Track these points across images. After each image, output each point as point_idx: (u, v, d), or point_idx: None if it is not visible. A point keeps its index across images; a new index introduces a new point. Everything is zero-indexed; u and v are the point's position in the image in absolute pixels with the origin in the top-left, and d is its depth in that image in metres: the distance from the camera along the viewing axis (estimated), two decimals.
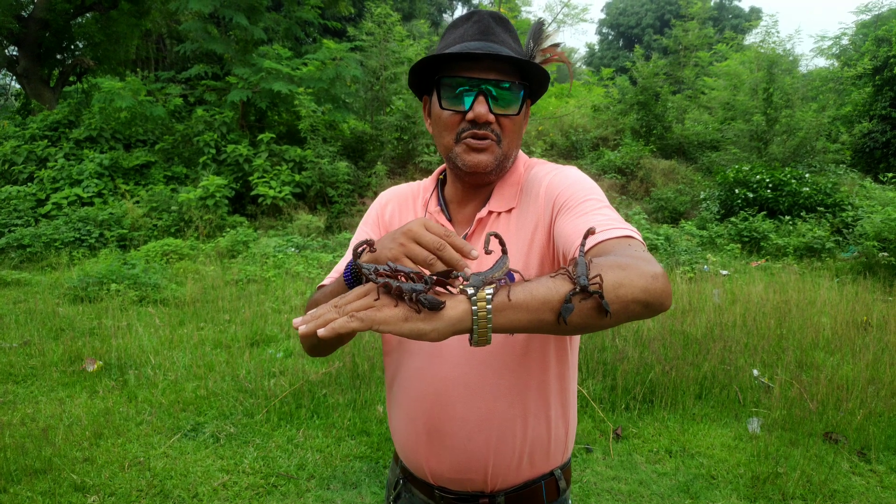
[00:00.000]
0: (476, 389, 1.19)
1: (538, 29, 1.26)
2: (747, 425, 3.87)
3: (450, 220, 1.31)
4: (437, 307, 0.81)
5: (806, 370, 4.48)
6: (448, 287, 0.89)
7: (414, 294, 0.81)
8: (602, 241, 1.00)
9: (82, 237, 9.21)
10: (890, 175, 10.67)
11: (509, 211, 1.25)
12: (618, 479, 3.29)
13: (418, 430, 1.24)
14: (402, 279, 0.85)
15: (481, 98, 1.15)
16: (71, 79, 15.22)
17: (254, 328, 5.57)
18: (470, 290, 0.83)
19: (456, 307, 0.82)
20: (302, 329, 0.82)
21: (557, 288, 0.87)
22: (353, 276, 1.08)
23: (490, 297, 0.83)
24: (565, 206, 1.14)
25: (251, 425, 3.85)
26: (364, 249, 0.94)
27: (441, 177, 1.38)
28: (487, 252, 0.93)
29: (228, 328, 5.65)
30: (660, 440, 3.70)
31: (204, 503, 3.06)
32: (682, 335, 4.94)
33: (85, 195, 10.29)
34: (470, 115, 1.16)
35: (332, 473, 3.34)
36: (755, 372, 4.44)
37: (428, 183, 1.40)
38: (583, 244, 0.97)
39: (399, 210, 1.38)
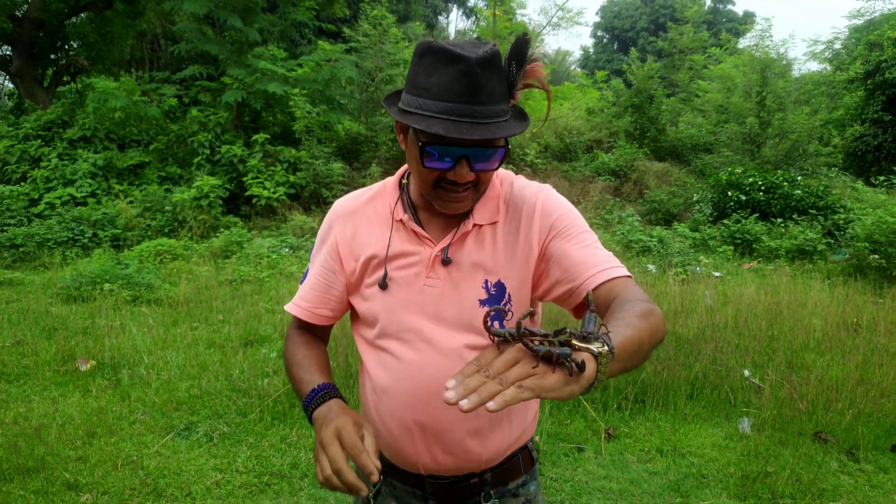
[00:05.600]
0: None
1: (522, 50, 1.12)
2: (738, 425, 3.90)
3: (420, 227, 1.28)
4: (583, 369, 0.83)
5: (796, 371, 4.52)
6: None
7: (564, 358, 0.82)
8: (612, 280, 1.15)
9: (76, 237, 9.19)
10: (881, 178, 10.75)
11: (493, 224, 1.28)
12: (609, 478, 3.32)
13: (410, 427, 1.26)
14: (537, 342, 0.85)
15: (464, 162, 1.13)
16: (65, 79, 15.18)
17: (248, 328, 5.58)
18: (595, 348, 0.85)
19: (588, 366, 0.84)
20: (465, 405, 0.77)
21: (639, 340, 0.96)
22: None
23: (610, 353, 0.86)
24: (564, 233, 1.24)
25: (244, 424, 3.86)
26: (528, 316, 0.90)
27: (404, 180, 1.34)
28: (522, 318, 0.86)
29: (222, 328, 5.65)
30: (651, 440, 3.72)
31: (197, 501, 3.07)
32: (674, 336, 4.97)
33: (78, 195, 10.27)
34: (451, 176, 1.15)
35: None
36: (746, 372, 4.47)
37: (391, 187, 1.34)
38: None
39: (363, 223, 1.33)
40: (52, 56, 14.91)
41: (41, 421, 3.81)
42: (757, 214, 10.34)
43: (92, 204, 10.05)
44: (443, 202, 1.19)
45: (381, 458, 1.35)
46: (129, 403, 4.12)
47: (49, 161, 10.81)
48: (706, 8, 25.50)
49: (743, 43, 22.24)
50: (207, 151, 11.09)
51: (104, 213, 9.63)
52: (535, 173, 13.41)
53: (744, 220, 10.07)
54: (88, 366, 4.62)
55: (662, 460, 3.51)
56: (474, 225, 1.26)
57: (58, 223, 9.32)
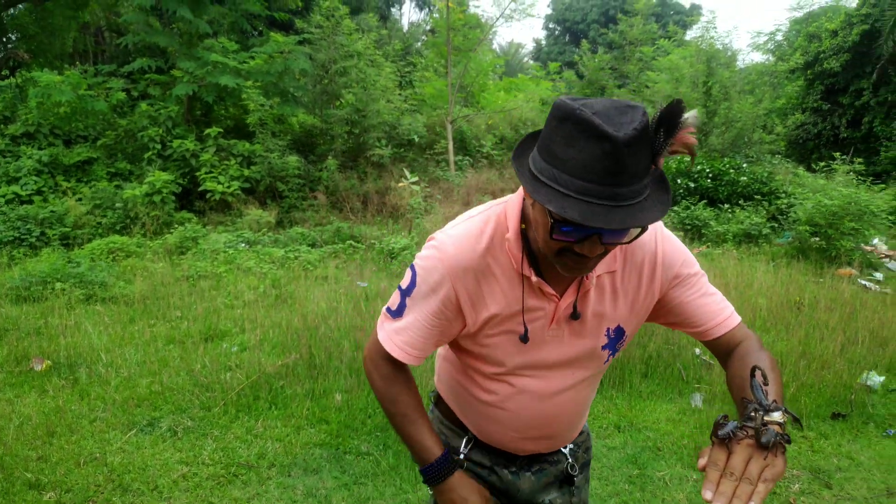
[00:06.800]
0: (578, 402, 1.41)
1: (674, 117, 0.99)
2: (690, 400, 4.08)
3: (545, 282, 1.23)
4: (790, 441, 0.99)
5: None
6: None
7: (778, 441, 0.97)
8: (731, 330, 1.27)
9: (22, 236, 8.90)
10: (821, 164, 11.23)
11: (611, 272, 1.27)
12: None
13: (522, 437, 1.42)
14: (751, 432, 0.99)
15: (595, 238, 1.05)
16: (4, 72, 14.60)
17: (207, 323, 5.53)
18: (779, 418, 1.00)
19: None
20: None
21: (782, 388, 1.12)
22: None
23: (787, 415, 1.02)
24: (685, 282, 1.30)
25: (209, 418, 3.85)
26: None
27: (523, 224, 1.21)
28: (739, 426, 1.01)
29: (181, 324, 5.59)
30: (608, 417, 3.87)
31: (164, 495, 3.07)
32: None
33: (23, 193, 9.93)
34: (578, 249, 1.07)
35: (292, 461, 3.39)
36: (697, 351, 4.67)
37: (513, 237, 1.21)
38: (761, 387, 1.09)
39: (485, 279, 1.23)
40: None
41: None
42: (705, 201, 10.68)
43: (38, 202, 9.73)
44: (566, 269, 1.13)
45: (470, 434, 1.49)
46: (89, 401, 4.06)
47: None
48: (654, 0, 26.02)
49: (690, 35, 22.81)
50: (158, 146, 10.85)
51: (52, 211, 9.34)
52: (491, 165, 13.54)
53: (693, 207, 10.39)
54: (44, 366, 4.53)
55: (620, 435, 3.65)
56: (597, 276, 1.26)
57: (3, 222, 9.01)
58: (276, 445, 3.54)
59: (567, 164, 0.98)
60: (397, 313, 1.28)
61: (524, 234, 1.20)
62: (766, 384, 1.05)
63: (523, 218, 1.20)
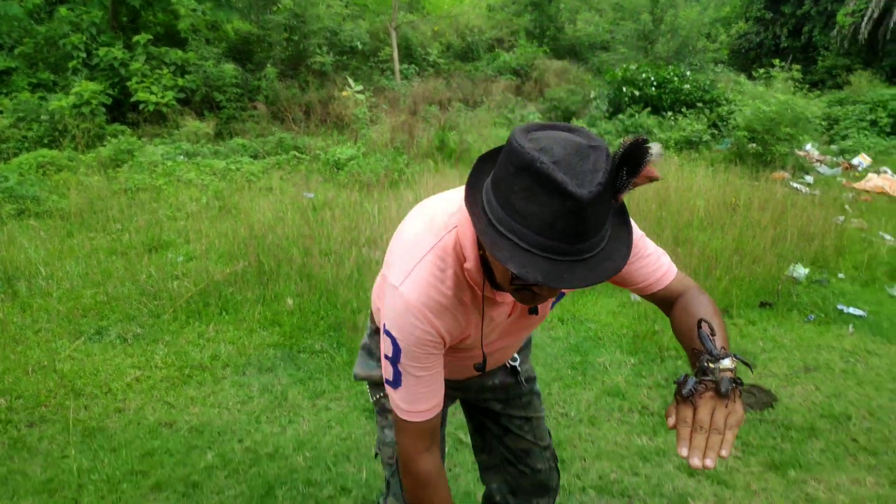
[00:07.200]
0: (520, 341, 1.55)
1: (638, 158, 0.94)
2: (630, 294, 4.28)
3: (506, 293, 1.22)
4: (742, 384, 1.07)
5: (682, 245, 4.94)
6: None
7: (734, 388, 1.05)
8: (668, 285, 1.30)
9: None
10: (762, 71, 11.42)
11: None
12: None
13: (469, 375, 1.51)
14: (711, 385, 1.06)
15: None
16: None
17: (149, 235, 5.40)
18: (730, 364, 1.07)
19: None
20: (710, 464, 0.99)
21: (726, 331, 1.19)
22: None
23: (736, 359, 1.09)
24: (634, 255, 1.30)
25: (158, 325, 3.84)
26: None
27: (480, 252, 1.15)
28: (696, 383, 1.06)
29: (122, 236, 5.44)
30: (552, 311, 4.03)
31: (118, 398, 3.09)
32: None
33: None
34: (536, 290, 1.05)
35: (246, 361, 3.44)
36: None
37: (472, 264, 1.16)
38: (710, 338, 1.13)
39: (457, 314, 1.21)
40: None
41: None
42: (649, 109, 10.79)
43: None
44: (524, 301, 1.11)
45: None
46: (32, 313, 3.98)
47: None
48: None
49: None
50: (83, 55, 10.16)
51: None
52: (438, 74, 13.25)
53: (637, 115, 10.50)
54: None
55: (563, 327, 3.83)
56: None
57: None
58: (229, 348, 3.57)
59: (528, 220, 0.92)
60: (396, 383, 1.23)
61: (482, 258, 1.16)
62: (713, 334, 1.11)
63: (479, 242, 1.13)
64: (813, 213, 5.83)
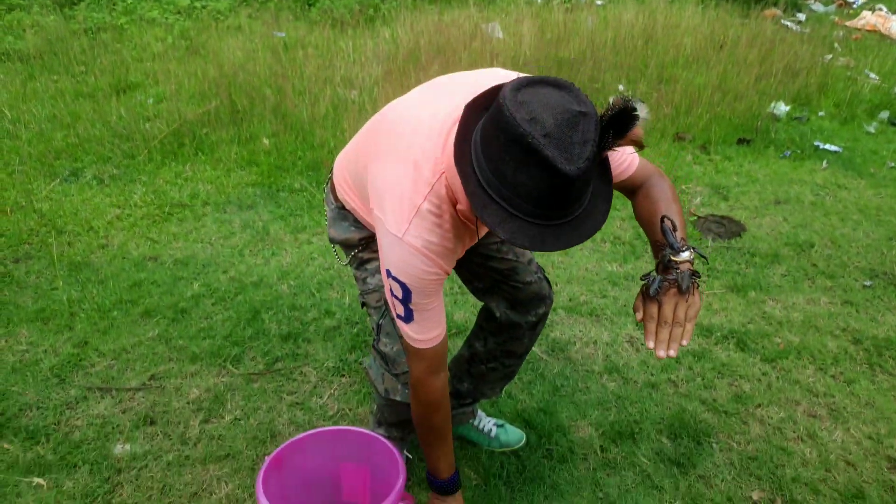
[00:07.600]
0: None
1: (625, 122, 0.95)
2: None
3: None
4: (699, 275, 1.16)
5: (665, 83, 4.86)
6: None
7: (694, 281, 1.14)
8: (631, 175, 1.29)
9: None
10: None
11: None
12: None
13: None
14: (673, 281, 1.14)
15: None
16: None
17: (116, 77, 5.18)
18: (689, 256, 1.16)
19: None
20: (674, 354, 1.13)
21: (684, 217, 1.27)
22: None
23: (694, 252, 1.17)
24: None
25: (134, 165, 3.80)
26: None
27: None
28: (660, 281, 1.16)
29: (87, 79, 5.21)
30: None
31: (101, 234, 3.12)
32: (556, 60, 5.12)
33: None
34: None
35: (226, 199, 3.45)
36: (621, 87, 4.77)
37: (464, 205, 1.20)
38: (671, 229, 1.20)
39: (455, 245, 1.27)
40: None
41: None
42: None
43: None
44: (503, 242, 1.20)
45: None
46: (2, 155, 3.90)
47: None
48: None
49: None
50: None
51: None
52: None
53: None
54: None
55: None
56: None
57: None
58: (207, 187, 3.57)
59: (517, 189, 0.95)
60: (408, 318, 1.29)
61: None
62: (674, 230, 1.17)
63: None
64: (800, 50, 5.69)
